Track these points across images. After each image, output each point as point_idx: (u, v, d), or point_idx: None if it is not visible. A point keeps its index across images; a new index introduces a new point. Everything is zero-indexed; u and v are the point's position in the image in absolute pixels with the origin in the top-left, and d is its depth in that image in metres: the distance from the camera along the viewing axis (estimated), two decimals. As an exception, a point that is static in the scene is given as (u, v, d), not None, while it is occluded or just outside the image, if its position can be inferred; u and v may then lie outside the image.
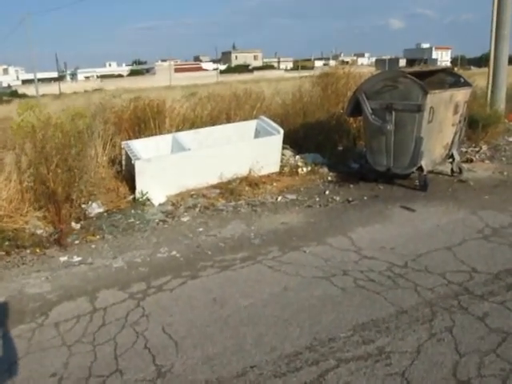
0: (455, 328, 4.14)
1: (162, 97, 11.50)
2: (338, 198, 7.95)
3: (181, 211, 7.68)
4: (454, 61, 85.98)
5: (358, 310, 4.52)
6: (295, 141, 10.46)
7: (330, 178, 9.07)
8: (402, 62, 78.90)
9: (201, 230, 6.92)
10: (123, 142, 8.74)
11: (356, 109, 8.52)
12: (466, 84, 8.67)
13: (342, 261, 5.59)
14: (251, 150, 8.69)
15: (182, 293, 5.10)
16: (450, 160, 8.90)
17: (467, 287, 4.83)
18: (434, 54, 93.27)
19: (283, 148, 10.00)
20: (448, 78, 8.86)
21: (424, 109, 7.62)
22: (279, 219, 7.15)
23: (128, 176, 8.40)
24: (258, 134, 9.39)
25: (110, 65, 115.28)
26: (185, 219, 7.37)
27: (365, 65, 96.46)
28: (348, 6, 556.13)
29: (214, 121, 10.50)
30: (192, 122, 10.28)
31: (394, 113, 7.97)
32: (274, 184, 8.70)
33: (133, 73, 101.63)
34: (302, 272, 5.36)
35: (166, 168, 8.08)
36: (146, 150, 8.58)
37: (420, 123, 7.73)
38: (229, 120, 10.41)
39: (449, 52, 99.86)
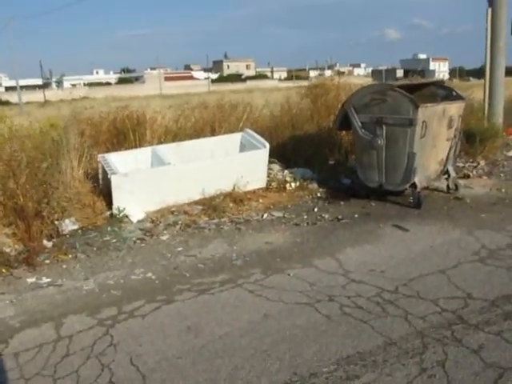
0: (448, 362, 3.92)
1: (152, 106, 11.34)
2: (327, 216, 7.75)
3: (160, 229, 7.46)
4: (452, 72, 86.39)
5: (343, 341, 4.30)
6: (284, 155, 10.28)
7: (319, 195, 8.87)
8: (399, 73, 79.04)
9: (180, 249, 6.71)
10: (99, 155, 8.51)
11: (345, 122, 8.35)
12: (459, 97, 8.51)
13: (329, 285, 5.38)
14: (235, 164, 8.48)
15: (155, 319, 4.87)
16: (446, 176, 8.73)
17: (461, 315, 4.62)
18: (431, 65, 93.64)
19: (271, 162, 9.82)
20: (439, 91, 8.71)
21: (416, 123, 7.45)
22: (264, 238, 6.94)
23: (105, 191, 8.16)
24: (243, 148, 9.19)
25: (97, 72, 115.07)
26: (164, 237, 7.15)
27: (361, 75, 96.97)
28: (343, 17, 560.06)
29: (198, 133, 10.28)
30: (175, 135, 10.07)
31: (384, 127, 7.81)
32: (260, 200, 8.50)
33: (121, 81, 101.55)
34: (285, 297, 5.14)
35: (145, 183, 7.87)
36: (124, 164, 8.37)
37: (412, 138, 7.56)
38: (213, 133, 10.20)
39: (446, 63, 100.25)
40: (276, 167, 9.85)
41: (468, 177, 9.92)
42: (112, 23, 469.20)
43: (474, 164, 10.99)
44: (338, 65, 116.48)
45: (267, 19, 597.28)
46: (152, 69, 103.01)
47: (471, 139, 11.62)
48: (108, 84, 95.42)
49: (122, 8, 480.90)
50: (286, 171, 9.76)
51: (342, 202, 8.41)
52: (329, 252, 6.35)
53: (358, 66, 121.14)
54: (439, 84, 8.97)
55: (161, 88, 75.32)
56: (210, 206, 8.06)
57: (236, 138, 9.39)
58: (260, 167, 8.78)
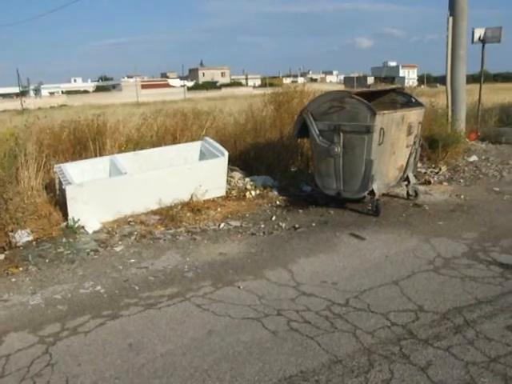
0: (393, 381, 3.66)
1: (125, 113, 11.02)
2: (284, 225, 7.48)
3: (115, 240, 7.14)
4: (420, 78, 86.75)
5: (288, 359, 4.02)
6: (246, 162, 10.02)
7: (278, 203, 8.60)
8: (370, 80, 79.27)
9: (133, 261, 6.39)
10: (56, 166, 8.17)
11: (303, 130, 8.10)
12: (418, 104, 8.31)
13: (278, 298, 5.11)
14: (194, 173, 8.18)
15: (98, 336, 4.57)
16: (406, 183, 8.51)
17: (411, 330, 4.37)
18: (401, 72, 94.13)
19: (232, 170, 9.57)
20: (399, 98, 8.52)
21: (373, 130, 7.23)
22: (218, 249, 6.65)
23: (62, 201, 7.81)
24: (203, 156, 8.90)
25: (75, 80, 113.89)
26: (118, 249, 6.83)
27: (333, 82, 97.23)
28: (316, 25, 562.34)
29: (159, 141, 9.97)
30: (136, 143, 9.75)
31: (342, 134, 7.57)
32: (219, 209, 8.20)
33: (99, 89, 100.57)
34: (232, 312, 4.86)
35: (101, 193, 7.55)
36: (81, 174, 8.06)
37: (370, 145, 7.33)
38: (175, 141, 9.88)
39: (415, 70, 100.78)
40: (237, 175, 9.58)
41: (429, 183, 9.73)
42: (89, 33, 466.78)
43: (436, 170, 10.83)
44: (310, 72, 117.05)
45: (242, 29, 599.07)
46: (129, 77, 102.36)
47: (434, 145, 11.47)
48: (86, 92, 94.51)
49: (98, 17, 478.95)
50: (247, 179, 9.48)
51: (300, 210, 8.15)
52: (282, 263, 6.08)
53: (331, 73, 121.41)
54: (399, 91, 8.75)
55: (137, 96, 74.65)
56: (168, 215, 7.76)
57: (196, 146, 9.10)
58: (219, 175, 8.49)
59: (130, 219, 7.76)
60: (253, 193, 8.92)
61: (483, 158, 12.23)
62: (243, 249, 6.63)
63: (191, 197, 8.07)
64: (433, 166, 11.06)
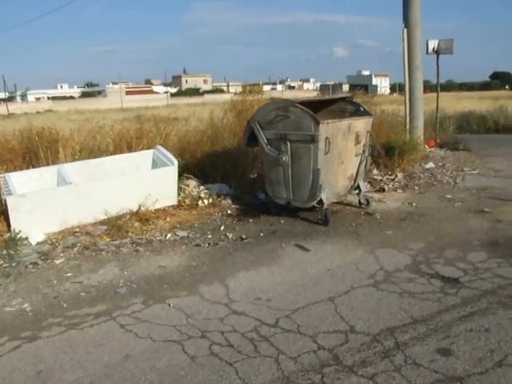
0: (307, 417, 3.25)
1: (106, 119, 10.51)
2: (231, 236, 7.04)
3: (57, 252, 6.65)
4: (392, 87, 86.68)
5: (200, 390, 3.59)
6: (203, 170, 9.54)
7: (229, 212, 8.15)
8: (345, 88, 79.12)
9: (69, 275, 5.92)
10: (0, 175, 7.67)
11: (253, 138, 7.66)
12: (366, 113, 7.91)
13: (206, 318, 4.67)
14: (142, 182, 7.70)
15: (8, 362, 4.10)
16: (357, 191, 8.11)
17: (338, 354, 3.95)
18: (374, 81, 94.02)
19: (187, 178, 9.12)
20: (348, 107, 8.11)
21: (318, 139, 6.82)
22: (159, 262, 6.19)
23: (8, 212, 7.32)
24: (155, 165, 8.42)
25: (61, 87, 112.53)
26: (58, 261, 6.35)
27: (310, 89, 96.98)
28: (295, 36, 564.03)
29: (116, 150, 9.48)
30: (90, 151, 9.26)
31: (289, 143, 7.16)
32: (168, 219, 7.73)
33: (84, 95, 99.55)
34: (155, 333, 4.41)
35: (46, 203, 7.06)
36: (28, 184, 7.56)
37: (316, 154, 6.92)
38: (130, 149, 9.39)
39: (387, 79, 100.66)
40: (192, 183, 9.11)
41: (383, 190, 9.34)
42: (76, 40, 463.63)
43: (392, 177, 10.44)
44: (288, 80, 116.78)
45: (224, 38, 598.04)
46: (114, 83, 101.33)
47: (391, 152, 11.10)
48: (71, 98, 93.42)
49: (84, 26, 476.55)
50: (201, 187, 9.02)
51: (251, 220, 7.72)
52: (220, 277, 5.62)
53: (308, 80, 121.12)
54: (348, 100, 8.33)
55: (122, 102, 73.85)
56: (115, 225, 7.27)
57: (148, 154, 8.62)
58: (169, 184, 8.01)
59: (76, 230, 7.27)
60: (205, 201, 8.46)
61: (440, 164, 11.89)
62: (184, 261, 6.18)
63: (139, 206, 7.60)
64: (389, 173, 10.67)
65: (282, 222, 7.60)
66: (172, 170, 7.99)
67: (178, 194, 8.46)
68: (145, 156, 8.58)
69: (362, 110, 7.95)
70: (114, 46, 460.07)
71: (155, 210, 7.81)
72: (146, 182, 7.73)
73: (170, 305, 4.98)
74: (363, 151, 7.73)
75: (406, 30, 12.96)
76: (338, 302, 4.88)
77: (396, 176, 10.48)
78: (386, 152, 11.19)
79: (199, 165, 9.64)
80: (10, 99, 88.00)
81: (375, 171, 10.73)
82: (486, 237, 6.65)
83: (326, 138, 6.87)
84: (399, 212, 8.00)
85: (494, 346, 3.98)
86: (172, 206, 8.17)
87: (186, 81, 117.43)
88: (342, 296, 5.01)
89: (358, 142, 7.50)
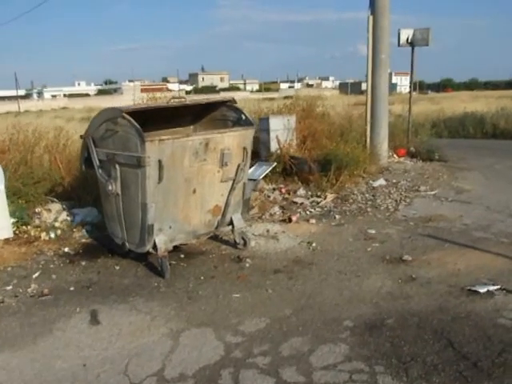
0: None
1: None
2: (31, 288, 5.21)
3: None
4: (414, 85, 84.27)
5: None
6: (74, 191, 7.76)
7: (67, 250, 6.25)
8: (364, 86, 76.81)
9: None
10: None
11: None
12: (248, 123, 5.99)
13: None
14: None
15: None
16: (231, 228, 6.22)
17: None
18: (394, 79, 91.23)
19: (51, 201, 7.36)
20: (231, 114, 6.18)
21: (145, 163, 4.93)
22: None
23: None
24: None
25: (79, 84, 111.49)
26: None
27: (329, 88, 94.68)
28: (319, 33, 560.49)
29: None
30: None
31: (118, 167, 5.29)
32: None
33: (101, 92, 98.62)
34: None
35: None
36: None
37: (144, 183, 5.04)
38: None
39: (408, 77, 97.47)
40: (56, 207, 7.34)
41: (290, 220, 7.39)
42: (98, 37, 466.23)
43: (319, 199, 8.50)
44: (307, 78, 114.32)
45: (246, 35, 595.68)
46: (130, 81, 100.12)
47: (327, 167, 9.21)
48: (87, 95, 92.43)
49: (110, 22, 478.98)
50: (65, 213, 7.23)
51: (84, 263, 5.87)
52: None
53: (327, 79, 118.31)
54: (230, 105, 6.28)
55: (134, 99, 72.54)
56: None
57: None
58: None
59: None
60: (52, 234, 6.65)
61: (393, 181, 9.89)
62: None
63: None
64: (318, 193, 8.74)
65: (118, 268, 5.72)
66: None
67: (23, 223, 6.71)
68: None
69: (244, 118, 6.05)
70: (136, 44, 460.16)
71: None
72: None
73: None
74: (236, 175, 5.83)
75: (371, 18, 11.08)
76: None
77: (325, 198, 8.56)
78: (322, 167, 9.31)
79: (72, 184, 7.88)
80: (27, 96, 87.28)
81: (301, 191, 8.83)
82: (371, 311, 4.59)
83: (159, 160, 4.98)
84: (284, 257, 6.04)
85: None
86: (3, 239, 6.35)
87: (203, 78, 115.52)
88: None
89: (224, 163, 5.60)
